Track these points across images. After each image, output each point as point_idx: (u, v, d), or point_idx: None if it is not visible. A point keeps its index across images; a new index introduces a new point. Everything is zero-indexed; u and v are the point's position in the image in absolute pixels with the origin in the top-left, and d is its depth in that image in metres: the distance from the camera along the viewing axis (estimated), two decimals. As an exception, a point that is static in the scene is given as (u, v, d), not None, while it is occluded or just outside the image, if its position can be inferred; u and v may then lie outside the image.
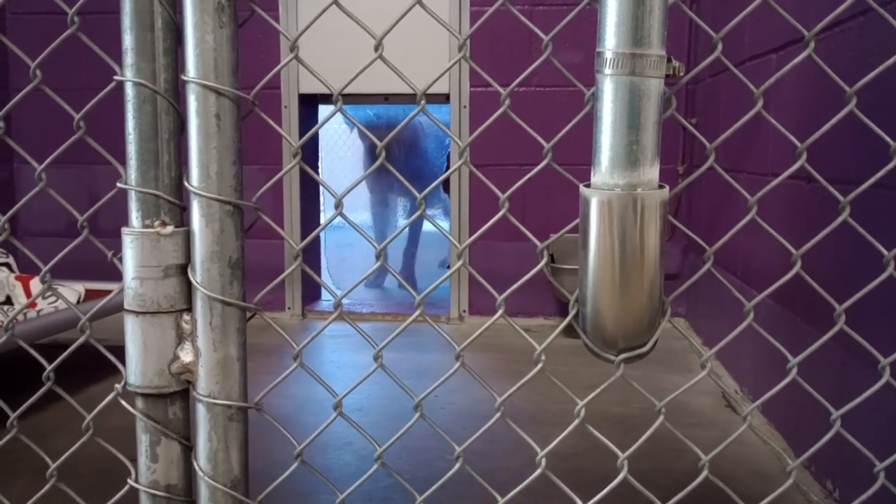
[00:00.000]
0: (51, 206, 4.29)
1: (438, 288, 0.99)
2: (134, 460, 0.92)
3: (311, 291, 4.54)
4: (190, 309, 0.89)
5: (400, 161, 5.69)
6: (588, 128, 0.83)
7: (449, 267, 4.84)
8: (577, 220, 0.86)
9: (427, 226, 5.91)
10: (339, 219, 0.92)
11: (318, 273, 4.82)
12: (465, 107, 4.04)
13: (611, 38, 0.79)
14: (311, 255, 4.60)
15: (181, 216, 0.89)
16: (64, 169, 4.30)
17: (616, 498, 0.90)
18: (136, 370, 0.88)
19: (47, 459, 0.98)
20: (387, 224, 5.97)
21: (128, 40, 0.85)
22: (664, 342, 0.87)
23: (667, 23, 0.80)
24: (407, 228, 6.03)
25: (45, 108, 4.11)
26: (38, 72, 0.92)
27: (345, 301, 4.64)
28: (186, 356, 0.88)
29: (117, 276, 0.86)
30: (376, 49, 0.87)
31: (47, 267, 0.93)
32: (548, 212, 4.02)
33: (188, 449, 0.92)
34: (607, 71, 0.80)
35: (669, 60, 0.88)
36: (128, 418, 0.88)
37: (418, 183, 5.63)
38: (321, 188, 4.68)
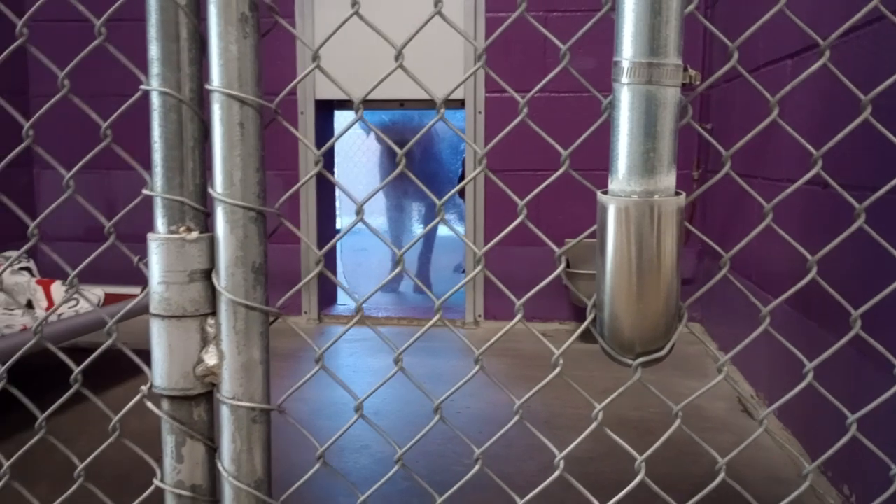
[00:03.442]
0: (68, 212, 4.33)
1: (456, 291, 1.01)
2: (157, 461, 0.94)
3: (328, 296, 4.56)
4: (214, 313, 0.90)
5: (416, 166, 5.72)
6: (601, 134, 0.84)
7: (464, 272, 4.85)
8: (594, 227, 0.87)
9: (441, 230, 5.93)
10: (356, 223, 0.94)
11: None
12: (480, 112, 4.06)
13: (628, 48, 0.81)
14: (328, 259, 4.63)
15: (205, 222, 0.91)
16: (82, 175, 4.34)
17: (633, 502, 0.91)
18: (162, 372, 0.90)
19: (75, 460, 1.01)
20: (402, 229, 5.99)
21: (154, 50, 0.87)
22: (679, 347, 0.88)
23: (683, 32, 0.81)
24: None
25: (61, 115, 4.16)
26: (66, 81, 0.94)
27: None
28: (211, 359, 0.90)
29: (134, 280, 0.88)
30: (396, 58, 0.89)
31: (75, 272, 0.95)
32: (561, 217, 4.03)
33: (212, 450, 0.94)
34: (624, 80, 0.81)
35: (686, 69, 0.89)
36: (146, 423, 0.90)
37: (434, 188, 5.65)
38: (337, 193, 4.70)
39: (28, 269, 3.48)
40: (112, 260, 0.92)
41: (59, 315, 2.99)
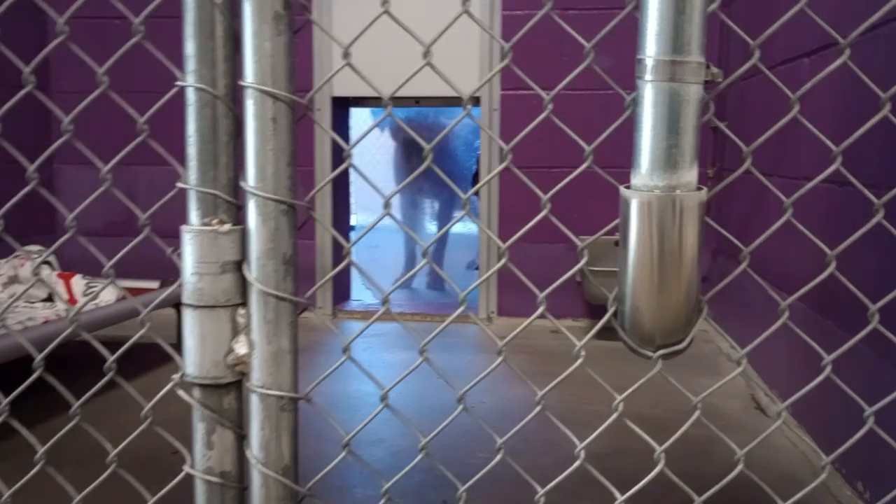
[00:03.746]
0: (88, 206, 4.37)
1: (472, 286, 1.03)
2: (175, 453, 0.96)
3: (342, 291, 4.59)
4: (244, 303, 0.93)
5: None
6: (622, 131, 0.86)
7: (477, 268, 4.87)
8: (614, 222, 0.89)
9: (454, 227, 5.95)
10: (366, 219, 0.96)
11: (349, 274, 4.88)
12: (495, 110, 4.08)
13: (651, 46, 0.82)
14: (340, 256, 4.65)
15: (237, 215, 0.94)
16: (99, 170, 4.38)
17: (647, 497, 0.93)
18: (194, 361, 0.93)
19: (108, 446, 1.03)
20: (416, 225, 6.01)
21: (190, 47, 0.90)
22: (693, 345, 0.90)
23: (706, 31, 0.83)
24: (435, 229, 6.07)
25: (84, 110, 4.21)
26: (105, 77, 0.97)
27: (375, 301, 4.70)
28: (241, 348, 0.93)
29: (150, 274, 0.90)
30: (425, 56, 0.91)
31: (110, 263, 0.98)
32: (577, 215, 4.04)
33: (241, 438, 0.96)
34: (648, 77, 0.83)
35: (708, 67, 0.90)
36: (171, 412, 0.92)
37: (449, 185, 5.66)
38: (352, 189, 4.73)
39: (48, 263, 3.53)
40: (131, 253, 0.94)
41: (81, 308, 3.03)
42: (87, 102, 0.98)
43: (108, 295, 3.17)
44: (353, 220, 4.89)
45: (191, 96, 0.90)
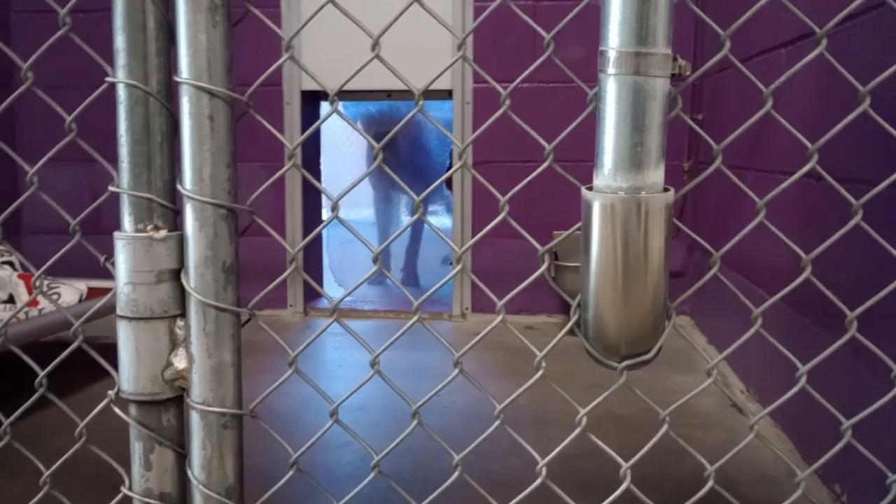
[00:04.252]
0: (53, 205, 4.27)
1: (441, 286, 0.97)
2: (128, 466, 0.90)
3: (313, 289, 4.52)
4: (184, 314, 0.87)
5: (403, 157, 5.67)
6: (592, 125, 0.81)
7: (451, 264, 4.82)
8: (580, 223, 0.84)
9: (431, 221, 5.89)
10: (341, 216, 0.90)
11: (320, 270, 4.81)
12: (468, 103, 4.02)
13: (614, 37, 0.77)
14: (313, 252, 4.58)
15: (174, 220, 0.87)
16: (66, 167, 4.28)
17: (619, 501, 0.88)
18: (129, 377, 0.86)
19: (41, 467, 0.97)
20: (390, 221, 5.94)
21: (119, 40, 0.83)
22: (668, 342, 0.85)
23: (672, 20, 0.77)
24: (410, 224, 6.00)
25: (49, 107, 4.11)
26: (29, 73, 0.90)
27: (347, 299, 4.63)
28: (180, 362, 0.86)
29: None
30: (373, 48, 0.85)
31: (40, 271, 0.91)
32: (551, 209, 3.99)
33: (182, 457, 0.90)
34: (611, 70, 0.77)
35: (675, 59, 0.85)
36: (120, 424, 0.86)
37: (421, 180, 5.60)
38: (323, 185, 4.65)
39: (10, 264, 3.43)
40: (93, 253, 0.89)
41: (41, 310, 2.94)
42: (10, 101, 0.91)
43: (70, 296, 3.09)
44: (324, 216, 4.81)
45: (121, 93, 0.84)
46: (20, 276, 3.26)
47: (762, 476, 2.15)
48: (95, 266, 3.19)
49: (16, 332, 2.57)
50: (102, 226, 4.10)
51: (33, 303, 3.14)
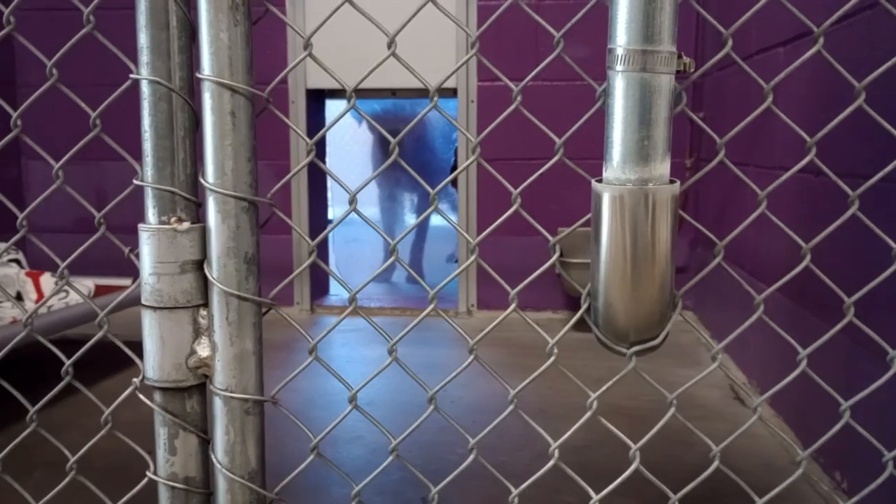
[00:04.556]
0: (58, 203, 4.31)
1: (449, 281, 1.00)
2: (151, 453, 0.93)
3: (320, 286, 4.55)
4: (206, 304, 0.90)
5: (408, 156, 5.70)
6: (596, 122, 0.84)
7: (457, 261, 4.85)
8: (588, 216, 0.87)
9: (433, 220, 5.92)
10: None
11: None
12: (472, 101, 4.05)
13: (622, 35, 0.80)
14: (320, 250, 4.60)
15: (197, 212, 0.90)
16: (71, 165, 4.32)
17: (626, 490, 0.91)
18: (154, 364, 0.90)
19: (66, 453, 1.00)
20: (394, 219, 5.97)
21: (143, 38, 0.86)
22: (672, 336, 0.88)
23: (677, 19, 0.80)
24: (414, 222, 6.04)
25: (52, 105, 4.14)
26: (54, 70, 0.93)
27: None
28: (203, 351, 0.90)
29: (126, 271, 0.88)
30: (389, 46, 0.88)
31: (65, 264, 0.94)
32: (555, 206, 4.02)
33: (206, 442, 0.93)
34: (618, 67, 0.80)
35: (680, 56, 0.88)
36: (140, 413, 0.89)
37: (427, 177, 5.64)
38: (329, 183, 4.69)
39: (17, 261, 3.46)
40: (102, 251, 0.91)
41: (49, 307, 2.97)
42: (37, 96, 0.94)
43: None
44: (330, 214, 4.84)
45: (145, 89, 0.87)
46: (28, 274, 3.30)
47: (766, 465, 2.18)
48: (100, 264, 3.22)
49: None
50: (113, 223, 4.13)
51: (41, 300, 3.17)
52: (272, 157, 4.10)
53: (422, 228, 5.76)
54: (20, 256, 3.51)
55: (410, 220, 6.07)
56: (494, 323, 0.96)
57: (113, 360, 3.02)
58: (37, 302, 3.17)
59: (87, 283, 3.29)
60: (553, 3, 3.90)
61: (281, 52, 4.08)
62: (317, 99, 4.34)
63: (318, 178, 4.36)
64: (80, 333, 3.05)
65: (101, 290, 3.31)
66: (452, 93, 4.09)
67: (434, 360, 3.33)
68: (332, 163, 5.66)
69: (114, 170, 4.32)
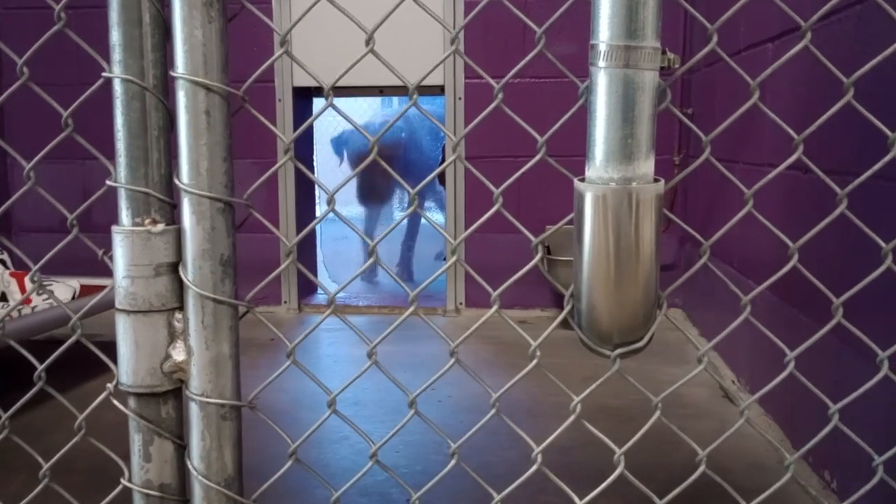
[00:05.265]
0: (45, 202, 4.26)
1: (435, 280, 0.98)
2: (127, 458, 0.91)
3: (308, 285, 4.53)
4: (182, 307, 0.88)
5: (396, 153, 5.67)
6: (583, 119, 0.82)
7: (445, 259, 4.83)
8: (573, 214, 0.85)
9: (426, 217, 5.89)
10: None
11: (314, 266, 4.81)
12: (459, 98, 4.03)
13: (604, 31, 0.78)
14: (307, 249, 4.59)
15: (172, 214, 0.88)
16: (56, 165, 4.28)
17: (612, 491, 0.89)
18: (128, 369, 0.87)
19: (40, 460, 0.98)
20: (384, 217, 5.95)
21: (115, 36, 0.84)
22: (659, 334, 0.87)
23: (661, 14, 0.79)
24: (405, 221, 6.02)
25: (39, 104, 4.10)
26: (25, 69, 0.91)
27: (340, 295, 4.64)
28: (178, 355, 0.88)
29: (111, 272, 0.86)
30: (367, 43, 0.86)
31: (37, 266, 0.92)
32: (543, 203, 4.01)
33: (181, 448, 0.91)
34: (601, 63, 0.79)
35: (664, 52, 0.86)
36: (123, 414, 0.87)
37: (413, 176, 5.62)
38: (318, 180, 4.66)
39: (2, 262, 3.43)
40: (88, 251, 0.89)
41: (34, 308, 2.94)
42: (6, 96, 0.92)
43: (62, 294, 3.09)
44: (318, 212, 4.81)
45: (118, 88, 0.84)
46: (12, 274, 3.26)
47: (754, 464, 2.17)
48: (87, 264, 3.20)
49: (10, 329, 2.57)
50: (94, 223, 4.10)
51: (27, 301, 3.14)
52: (259, 156, 4.07)
53: (412, 227, 5.74)
54: (5, 256, 3.48)
55: (398, 217, 6.04)
56: (476, 325, 0.94)
57: (96, 360, 2.98)
58: (24, 303, 3.14)
59: (72, 284, 3.25)
60: (539, 0, 3.89)
61: (268, 48, 4.05)
62: (304, 97, 4.32)
63: (305, 177, 4.34)
64: (66, 334, 3.02)
65: (86, 290, 3.28)
66: (440, 90, 4.07)
67: (420, 359, 3.32)
68: (319, 161, 5.62)
69: (99, 170, 4.28)
